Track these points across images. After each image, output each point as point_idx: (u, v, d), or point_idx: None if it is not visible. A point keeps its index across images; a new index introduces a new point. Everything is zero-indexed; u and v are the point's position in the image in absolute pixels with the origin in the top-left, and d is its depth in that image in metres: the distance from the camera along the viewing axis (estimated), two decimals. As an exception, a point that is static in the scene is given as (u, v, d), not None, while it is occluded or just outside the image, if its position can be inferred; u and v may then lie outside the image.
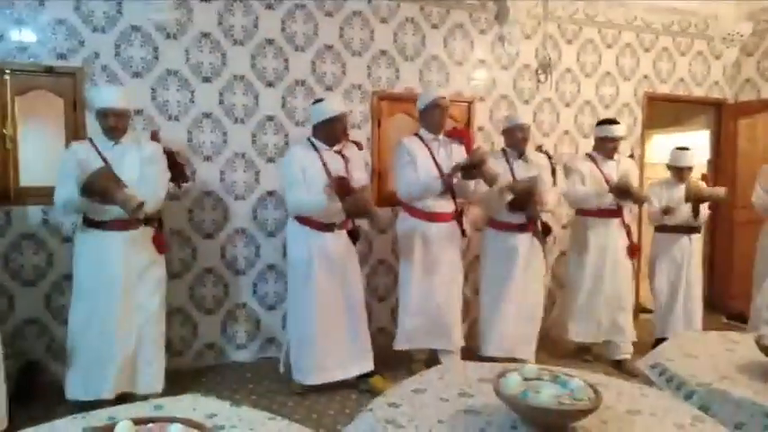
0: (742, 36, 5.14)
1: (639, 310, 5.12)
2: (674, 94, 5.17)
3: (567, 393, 1.52)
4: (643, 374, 2.29)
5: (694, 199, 3.93)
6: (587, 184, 3.89)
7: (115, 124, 2.97)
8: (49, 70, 3.48)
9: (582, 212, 4.02)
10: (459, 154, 3.61)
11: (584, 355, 4.12)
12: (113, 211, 2.87)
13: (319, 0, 4.03)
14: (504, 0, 4.38)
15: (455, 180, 3.47)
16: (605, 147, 3.93)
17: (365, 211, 3.21)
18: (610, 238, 3.92)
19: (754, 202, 4.09)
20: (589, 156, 4.02)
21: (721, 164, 5.36)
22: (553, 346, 4.19)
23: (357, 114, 4.16)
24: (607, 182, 3.84)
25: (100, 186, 2.74)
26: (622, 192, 3.75)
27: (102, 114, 2.96)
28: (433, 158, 3.53)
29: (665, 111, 5.47)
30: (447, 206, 3.57)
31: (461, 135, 3.70)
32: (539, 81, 4.64)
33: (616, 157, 3.98)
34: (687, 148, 4.19)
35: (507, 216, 3.69)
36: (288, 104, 4.01)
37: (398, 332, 3.64)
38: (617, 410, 1.65)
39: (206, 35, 3.79)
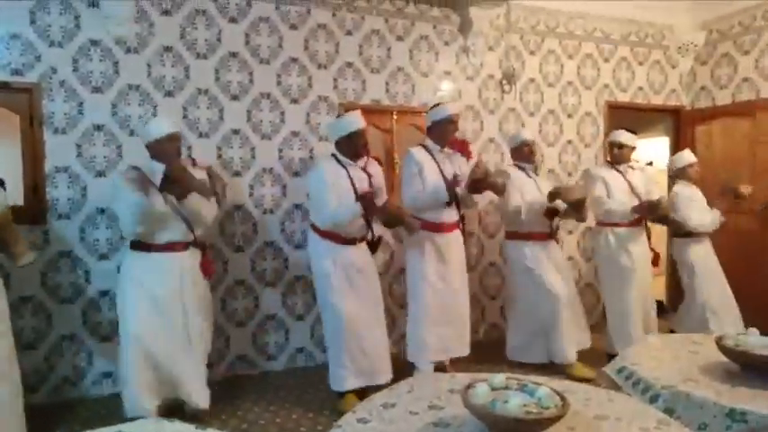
0: (696, 46, 5.33)
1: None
2: (634, 103, 5.32)
3: (534, 402, 1.53)
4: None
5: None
6: (612, 192, 3.94)
7: (179, 146, 3.19)
8: (4, 86, 3.37)
9: (602, 224, 4.06)
10: (462, 164, 3.70)
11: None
12: (164, 235, 3.04)
13: (283, 13, 4.02)
14: (468, 12, 4.45)
15: (460, 192, 3.54)
16: (612, 153, 4.07)
17: (401, 220, 3.31)
18: (641, 248, 3.98)
19: None
20: (610, 164, 4.11)
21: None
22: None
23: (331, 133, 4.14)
24: (633, 191, 3.93)
25: (178, 173, 2.99)
26: (653, 210, 3.84)
27: (169, 139, 3.11)
28: (440, 170, 3.57)
29: (625, 118, 5.59)
30: (453, 216, 3.62)
31: (461, 146, 3.74)
32: (503, 91, 4.75)
33: (636, 165, 4.11)
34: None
35: (527, 226, 3.87)
36: (253, 118, 3.98)
37: (415, 344, 3.61)
38: (584, 416, 1.66)
39: (168, 49, 3.74)
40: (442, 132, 3.62)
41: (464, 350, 3.75)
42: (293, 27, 4.06)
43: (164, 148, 3.10)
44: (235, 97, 3.92)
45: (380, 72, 4.35)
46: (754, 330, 2.19)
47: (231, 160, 3.94)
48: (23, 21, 3.41)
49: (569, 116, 5.05)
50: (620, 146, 4.02)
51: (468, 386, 1.62)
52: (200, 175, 3.24)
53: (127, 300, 3.05)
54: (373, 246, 3.47)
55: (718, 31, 5.22)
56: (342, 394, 3.33)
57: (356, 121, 3.37)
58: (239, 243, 3.98)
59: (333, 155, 3.42)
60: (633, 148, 4.09)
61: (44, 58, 3.46)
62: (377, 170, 3.51)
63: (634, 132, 4.09)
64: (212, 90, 3.87)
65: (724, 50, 5.18)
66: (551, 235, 3.99)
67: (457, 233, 3.69)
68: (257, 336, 4.05)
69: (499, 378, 1.69)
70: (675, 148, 5.59)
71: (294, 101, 4.08)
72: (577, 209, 3.79)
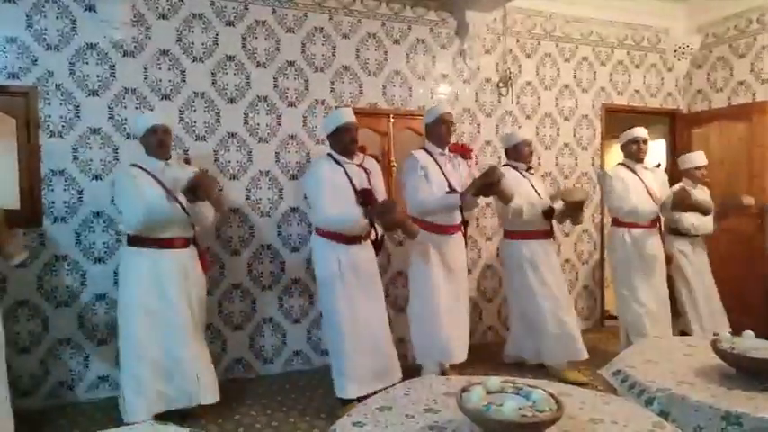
0: (692, 49, 5.35)
1: (606, 316, 5.23)
2: (630, 106, 5.34)
3: (529, 405, 1.53)
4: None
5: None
6: (631, 192, 3.91)
7: (164, 138, 3.19)
8: (0, 90, 3.37)
9: (620, 224, 4.04)
10: (464, 168, 3.69)
11: None
12: (166, 232, 3.09)
13: (280, 16, 4.03)
14: (464, 16, 4.46)
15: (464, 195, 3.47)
16: (630, 150, 4.04)
17: (400, 223, 3.21)
18: (656, 249, 3.98)
19: None
20: (624, 165, 4.08)
21: (677, 172, 5.51)
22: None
23: (321, 130, 4.14)
24: (648, 192, 3.93)
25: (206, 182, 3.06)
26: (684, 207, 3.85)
27: (152, 131, 3.16)
28: (442, 172, 3.56)
29: (622, 121, 5.61)
30: (455, 218, 3.60)
31: (464, 150, 3.76)
32: (500, 94, 4.76)
33: (648, 164, 4.09)
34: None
35: (526, 225, 3.84)
36: (250, 121, 3.98)
37: (423, 345, 3.57)
38: (579, 420, 1.66)
39: (165, 52, 3.74)
40: (437, 133, 3.62)
41: (465, 354, 3.68)
42: (290, 30, 4.06)
43: (148, 142, 3.18)
44: (231, 100, 3.93)
45: (377, 75, 4.35)
46: (749, 333, 2.19)
47: (228, 163, 3.93)
48: (20, 24, 3.41)
49: (566, 119, 5.06)
50: (645, 141, 4.01)
51: (464, 389, 1.62)
52: (186, 173, 3.25)
53: (129, 299, 3.07)
54: (377, 245, 3.45)
55: (713, 35, 5.24)
56: (345, 401, 3.25)
57: (343, 115, 3.35)
58: (236, 246, 3.98)
59: (328, 154, 3.39)
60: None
61: (40, 61, 3.45)
62: (375, 168, 3.49)
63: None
64: (209, 93, 3.87)
65: (720, 54, 5.20)
66: (550, 234, 3.99)
67: (459, 235, 3.67)
68: (254, 339, 4.05)
69: (494, 381, 1.69)
70: (672, 151, 5.61)
71: (291, 104, 4.08)
72: (575, 211, 3.79)
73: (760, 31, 4.84)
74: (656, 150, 6.05)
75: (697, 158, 4.37)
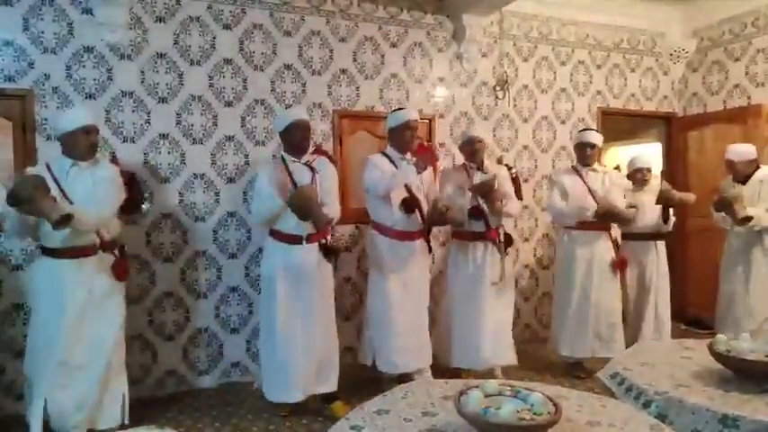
0: (687, 53, 5.38)
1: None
2: (627, 109, 5.35)
3: (526, 408, 1.53)
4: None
5: (664, 203, 4.02)
6: (570, 197, 3.90)
7: (95, 141, 2.95)
8: (-3, 92, 3.36)
9: (568, 226, 4.00)
10: (425, 172, 3.61)
11: (576, 371, 4.01)
12: (67, 238, 2.79)
13: (277, 19, 4.03)
14: (461, 19, 4.47)
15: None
16: (579, 154, 4.02)
17: (306, 209, 3.11)
18: (597, 252, 3.90)
19: None
20: (573, 168, 4.05)
21: (673, 175, 5.54)
22: (541, 363, 4.22)
23: (318, 133, 4.14)
24: (591, 194, 3.87)
25: (25, 194, 2.53)
26: (607, 216, 3.83)
27: (84, 131, 2.88)
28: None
29: (618, 124, 5.64)
30: (414, 225, 3.58)
31: (425, 153, 3.68)
32: (497, 97, 4.77)
33: (600, 168, 4.04)
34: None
35: (468, 225, 3.76)
36: (247, 124, 3.98)
37: (383, 355, 3.53)
38: (577, 423, 1.67)
39: (162, 55, 3.74)
40: (400, 139, 3.55)
41: (428, 360, 3.66)
42: (287, 34, 4.07)
43: (77, 142, 2.89)
44: (229, 104, 3.92)
45: (374, 78, 4.36)
46: (745, 336, 2.20)
47: (225, 166, 3.93)
48: (16, 27, 3.40)
49: (563, 122, 5.08)
50: (593, 146, 3.95)
51: (462, 392, 1.62)
52: (106, 170, 3.00)
53: (35, 312, 2.90)
54: (326, 250, 3.35)
55: (708, 38, 5.27)
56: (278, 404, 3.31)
57: (292, 114, 3.35)
58: (232, 251, 3.96)
59: (280, 154, 3.41)
60: (600, 148, 4.08)
61: (37, 64, 3.44)
62: (326, 167, 3.41)
63: (599, 132, 4.13)
64: (206, 96, 3.86)
65: (714, 57, 5.23)
66: (480, 236, 3.74)
67: (420, 242, 3.63)
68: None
69: (492, 384, 1.69)
70: (668, 154, 5.64)
71: (288, 107, 4.07)
72: (485, 197, 3.64)
73: (755, 34, 4.87)
74: (653, 153, 6.08)
75: (636, 161, 4.35)
